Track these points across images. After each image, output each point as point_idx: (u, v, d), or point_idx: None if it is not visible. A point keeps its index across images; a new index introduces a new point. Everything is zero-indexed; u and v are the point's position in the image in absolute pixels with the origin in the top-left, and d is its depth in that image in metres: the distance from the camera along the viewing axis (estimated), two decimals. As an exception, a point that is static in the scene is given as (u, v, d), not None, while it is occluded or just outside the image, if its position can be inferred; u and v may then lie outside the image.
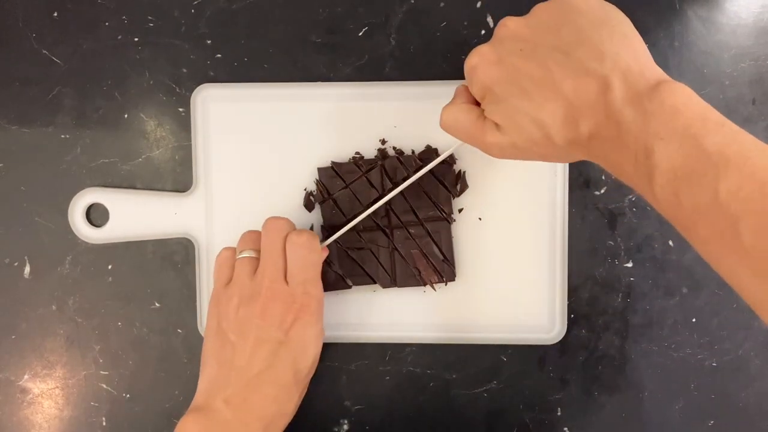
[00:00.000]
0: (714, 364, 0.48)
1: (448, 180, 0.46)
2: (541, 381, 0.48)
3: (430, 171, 0.46)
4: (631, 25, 0.34)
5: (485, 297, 0.47)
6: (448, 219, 0.46)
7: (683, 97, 0.30)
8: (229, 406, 0.39)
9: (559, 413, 0.48)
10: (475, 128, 0.37)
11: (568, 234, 0.47)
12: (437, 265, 0.46)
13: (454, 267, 0.47)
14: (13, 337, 0.50)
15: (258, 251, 0.43)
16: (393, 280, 0.47)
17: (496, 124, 0.35)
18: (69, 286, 0.49)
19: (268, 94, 0.47)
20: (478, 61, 0.36)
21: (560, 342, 0.48)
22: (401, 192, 0.46)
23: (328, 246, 0.46)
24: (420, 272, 0.46)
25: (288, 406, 0.41)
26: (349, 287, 0.47)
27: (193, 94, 0.47)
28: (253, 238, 0.43)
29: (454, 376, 0.48)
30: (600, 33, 0.33)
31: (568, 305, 0.48)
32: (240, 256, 0.43)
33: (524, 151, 0.35)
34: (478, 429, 0.49)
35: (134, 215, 0.48)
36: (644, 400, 0.48)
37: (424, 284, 0.47)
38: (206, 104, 0.47)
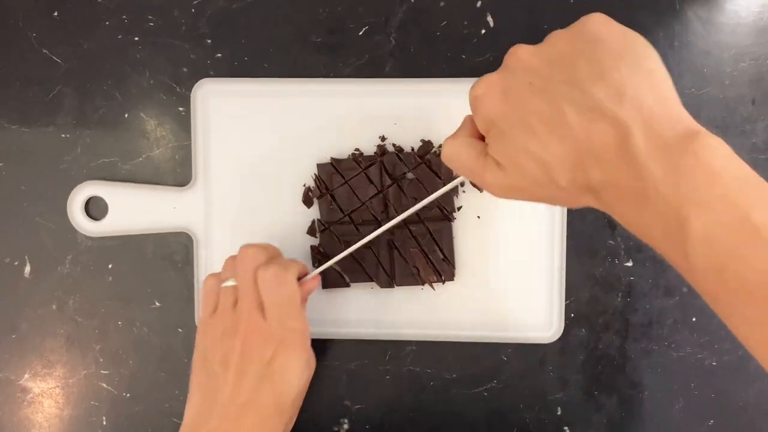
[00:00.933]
0: (714, 364, 0.48)
1: (449, 177, 0.46)
2: (541, 381, 0.48)
3: (429, 168, 0.46)
4: (659, 59, 0.29)
5: (482, 295, 0.47)
6: (449, 218, 0.46)
7: (720, 156, 0.26)
8: None
9: (559, 413, 0.48)
10: (476, 165, 0.33)
11: (568, 234, 0.47)
12: (437, 265, 0.46)
13: (453, 267, 0.47)
14: (14, 336, 0.50)
15: None
16: (391, 279, 0.47)
17: (498, 162, 0.32)
18: (69, 285, 0.49)
19: (269, 89, 0.47)
20: (484, 92, 0.32)
21: (560, 342, 0.48)
22: (401, 189, 0.46)
23: (330, 242, 0.46)
24: (419, 271, 0.46)
25: None
26: (348, 285, 0.47)
27: (193, 89, 0.47)
28: (234, 266, 0.42)
29: (454, 376, 0.48)
30: (621, 67, 0.28)
31: (568, 305, 0.48)
32: (223, 285, 0.42)
33: (527, 192, 0.32)
34: (478, 429, 0.49)
35: (133, 209, 0.48)
36: (644, 400, 0.48)
37: (423, 284, 0.47)
38: (206, 99, 0.47)
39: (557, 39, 0.31)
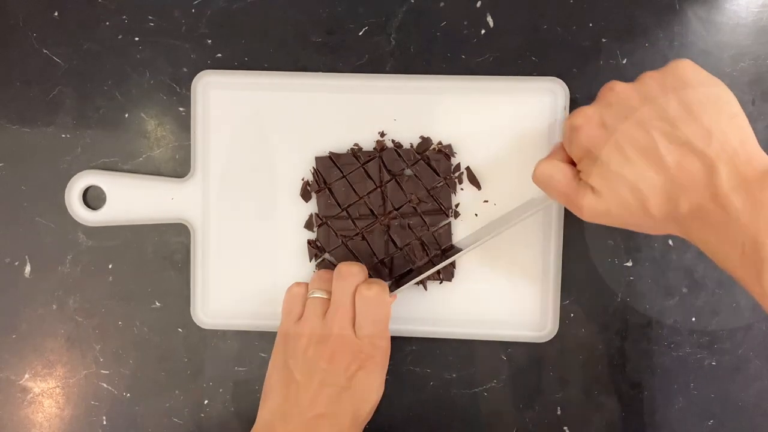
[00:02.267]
0: (714, 364, 0.48)
1: (447, 174, 0.46)
2: (541, 381, 0.48)
3: (428, 164, 0.46)
4: (738, 104, 0.34)
5: (479, 293, 0.47)
6: (447, 213, 0.46)
7: None
8: None
9: (559, 413, 0.48)
10: (570, 189, 0.37)
11: (567, 234, 0.47)
12: (435, 262, 0.46)
13: (453, 266, 0.47)
14: (14, 336, 0.50)
15: (329, 292, 0.43)
16: (389, 274, 0.47)
17: (592, 188, 0.35)
18: (69, 285, 0.49)
19: (269, 82, 0.47)
20: (582, 122, 0.35)
21: (560, 342, 0.48)
22: (399, 186, 0.46)
23: (327, 236, 0.46)
24: (416, 264, 0.46)
25: None
26: None
27: (194, 80, 0.47)
28: (325, 278, 0.43)
29: (454, 376, 0.48)
30: (708, 111, 0.32)
31: (568, 305, 0.48)
32: (312, 295, 0.43)
33: (618, 218, 0.35)
34: (478, 429, 0.49)
35: (131, 199, 0.48)
36: (644, 400, 0.48)
37: (421, 282, 0.46)
38: (207, 91, 0.47)
39: (650, 79, 0.34)
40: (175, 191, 0.48)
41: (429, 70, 0.47)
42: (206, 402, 0.49)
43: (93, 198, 0.49)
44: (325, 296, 0.43)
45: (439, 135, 0.47)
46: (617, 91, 0.35)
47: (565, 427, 0.48)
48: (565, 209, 0.47)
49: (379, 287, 0.42)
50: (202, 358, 0.49)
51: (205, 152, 0.48)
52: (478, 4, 0.47)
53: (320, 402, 0.40)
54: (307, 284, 0.44)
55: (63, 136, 0.49)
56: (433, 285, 0.47)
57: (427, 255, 0.46)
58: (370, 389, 0.41)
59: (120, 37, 0.48)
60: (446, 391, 0.48)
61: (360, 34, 0.48)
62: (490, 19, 0.47)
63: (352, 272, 0.42)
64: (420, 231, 0.46)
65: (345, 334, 0.41)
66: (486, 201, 0.47)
